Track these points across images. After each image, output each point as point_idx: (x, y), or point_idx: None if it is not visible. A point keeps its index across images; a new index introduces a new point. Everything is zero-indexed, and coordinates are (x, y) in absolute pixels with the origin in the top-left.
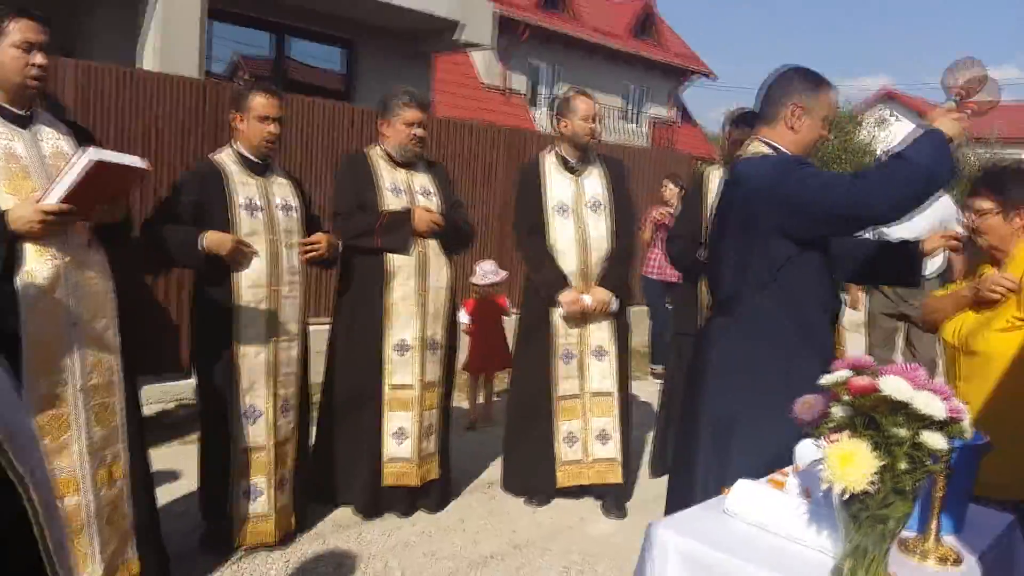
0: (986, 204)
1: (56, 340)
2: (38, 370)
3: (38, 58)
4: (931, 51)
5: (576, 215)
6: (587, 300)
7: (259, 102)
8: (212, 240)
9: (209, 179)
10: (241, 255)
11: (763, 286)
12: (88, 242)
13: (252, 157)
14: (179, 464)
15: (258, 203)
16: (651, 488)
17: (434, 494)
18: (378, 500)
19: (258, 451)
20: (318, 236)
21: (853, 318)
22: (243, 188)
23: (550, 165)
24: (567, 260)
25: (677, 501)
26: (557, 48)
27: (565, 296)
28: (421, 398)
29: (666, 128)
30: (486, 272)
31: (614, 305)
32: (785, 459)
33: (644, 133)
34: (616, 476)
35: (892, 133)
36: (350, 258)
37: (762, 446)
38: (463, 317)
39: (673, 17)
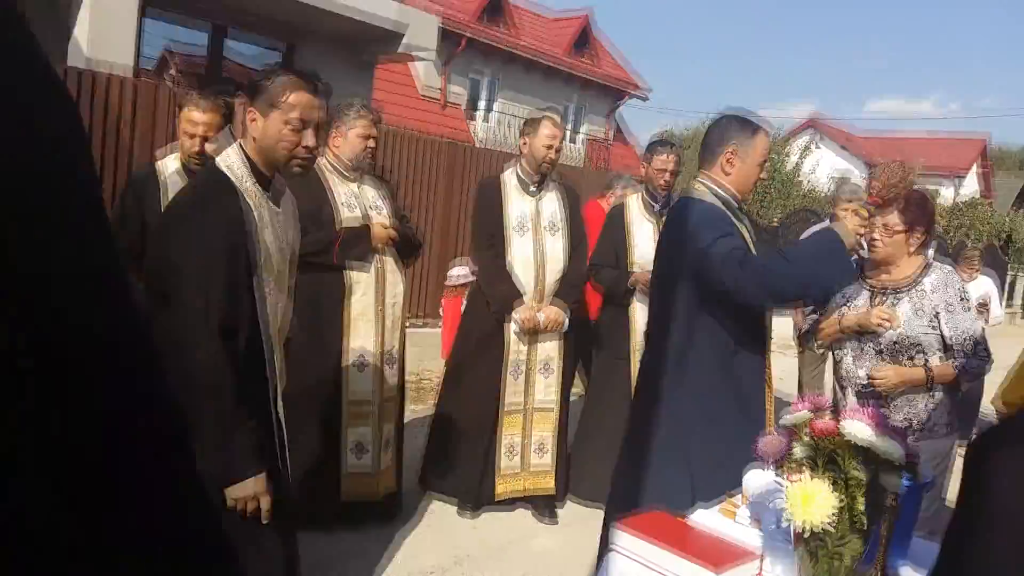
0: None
1: None
2: None
3: (309, 139)
4: (853, 82)
5: (534, 234)
6: (541, 317)
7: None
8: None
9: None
10: None
11: (684, 318)
12: None
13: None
14: None
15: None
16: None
17: (388, 507)
18: (336, 513)
19: None
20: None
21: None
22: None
23: (509, 183)
24: (523, 277)
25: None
26: (497, 61)
27: (521, 312)
28: (380, 411)
29: (601, 147)
30: (457, 276)
31: (566, 323)
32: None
33: (580, 151)
34: (549, 484)
35: (816, 160)
36: (304, 274)
37: (709, 463)
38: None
39: (610, 37)
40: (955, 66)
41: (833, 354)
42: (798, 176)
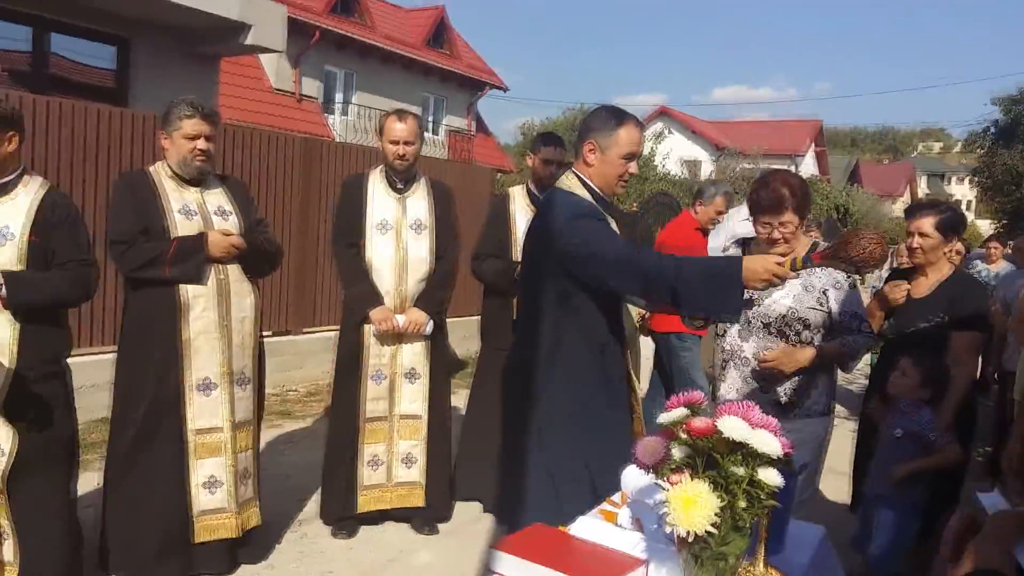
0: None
1: None
2: None
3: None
4: (698, 72)
5: (397, 234)
6: (400, 320)
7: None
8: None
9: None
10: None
11: (554, 313)
12: None
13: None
14: None
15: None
16: (466, 509)
17: (254, 542)
18: (190, 560)
19: None
20: None
21: None
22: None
23: (375, 182)
24: (384, 278)
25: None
26: (352, 55)
27: (377, 313)
28: (233, 440)
29: (464, 139)
30: None
31: (428, 328)
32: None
33: (442, 143)
34: (418, 499)
35: (669, 146)
36: (136, 289)
37: (572, 456)
38: None
39: (465, 29)
40: (791, 53)
41: (716, 327)
42: (653, 161)
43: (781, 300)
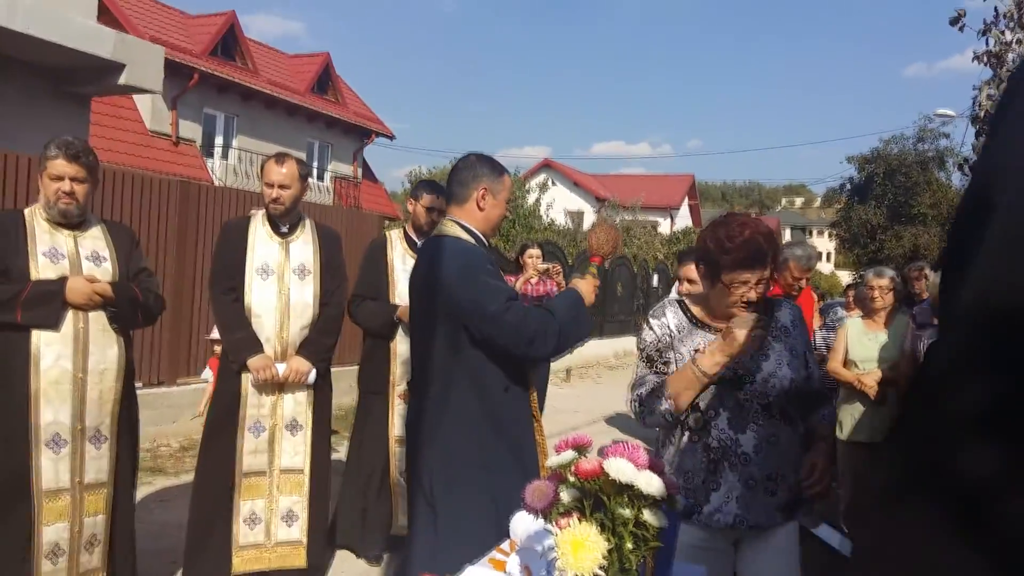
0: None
1: None
2: None
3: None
4: (580, 127)
5: (279, 279)
6: (280, 368)
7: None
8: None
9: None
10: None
11: (444, 360)
12: None
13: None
14: None
15: None
16: (350, 567)
17: None
18: None
19: None
20: None
21: None
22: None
23: (257, 225)
24: (264, 325)
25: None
26: (233, 98)
27: (255, 361)
28: (80, 503)
29: (351, 186)
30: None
31: (311, 377)
32: (487, 528)
33: (328, 190)
34: (300, 560)
35: (552, 197)
36: None
37: (467, 516)
38: (207, 375)
39: (351, 77)
40: (665, 112)
41: (687, 421)
42: (539, 211)
43: (779, 372)
